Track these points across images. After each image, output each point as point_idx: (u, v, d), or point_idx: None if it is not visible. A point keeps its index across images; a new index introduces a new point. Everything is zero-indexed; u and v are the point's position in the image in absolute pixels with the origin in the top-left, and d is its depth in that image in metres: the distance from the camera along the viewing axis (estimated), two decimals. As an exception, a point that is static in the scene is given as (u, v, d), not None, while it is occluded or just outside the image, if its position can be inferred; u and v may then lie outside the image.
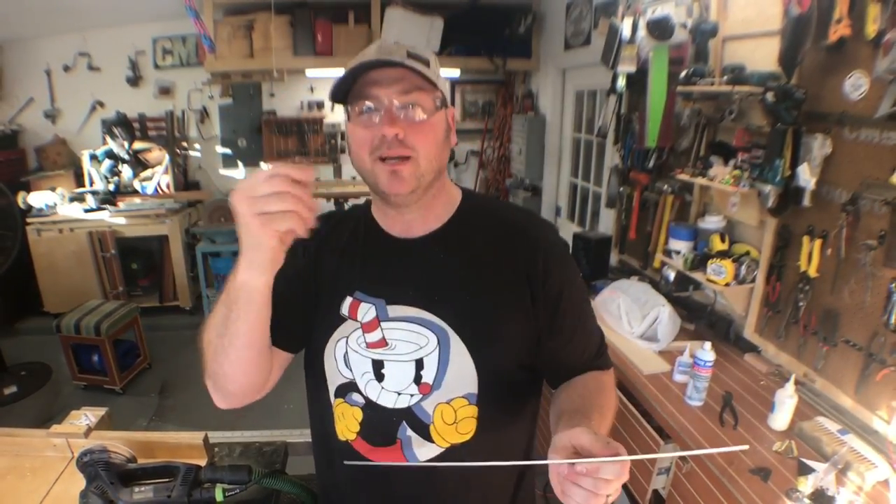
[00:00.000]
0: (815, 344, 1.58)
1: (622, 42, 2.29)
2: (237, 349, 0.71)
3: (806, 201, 1.56)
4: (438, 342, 0.78)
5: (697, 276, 1.92)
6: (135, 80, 4.26)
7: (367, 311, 0.80)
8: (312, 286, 0.85)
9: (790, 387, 1.44)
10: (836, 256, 1.50)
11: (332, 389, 0.85)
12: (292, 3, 3.74)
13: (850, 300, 1.47)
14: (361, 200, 0.89)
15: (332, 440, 0.86)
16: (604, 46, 2.51)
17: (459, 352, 0.78)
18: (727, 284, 1.82)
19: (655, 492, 1.61)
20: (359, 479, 0.86)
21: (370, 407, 0.81)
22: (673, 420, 1.53)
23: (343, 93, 0.76)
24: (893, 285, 1.33)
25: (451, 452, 0.79)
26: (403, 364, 0.79)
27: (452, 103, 4.58)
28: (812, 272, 1.57)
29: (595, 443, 0.56)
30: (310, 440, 0.96)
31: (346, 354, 0.82)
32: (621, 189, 2.71)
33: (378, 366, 0.80)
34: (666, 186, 2.31)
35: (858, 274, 1.43)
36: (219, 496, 0.95)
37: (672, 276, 2.06)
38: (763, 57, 1.74)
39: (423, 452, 0.80)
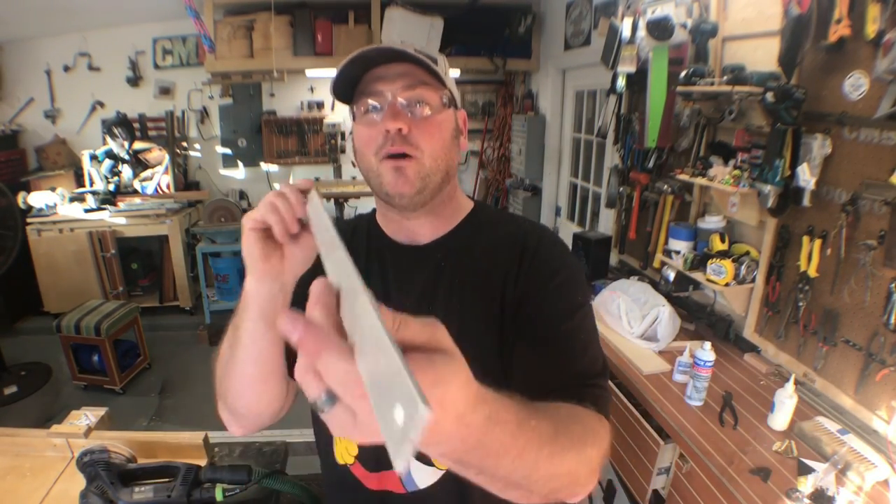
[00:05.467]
0: (815, 344, 1.58)
1: (622, 42, 2.29)
2: (243, 362, 0.66)
3: (806, 201, 1.56)
4: None
5: (697, 276, 1.92)
6: (135, 81, 4.26)
7: None
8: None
9: (790, 387, 1.44)
10: (835, 256, 1.50)
11: None
12: (292, 3, 3.74)
13: (850, 300, 1.47)
14: (361, 200, 0.86)
15: (331, 465, 0.82)
16: (604, 47, 2.51)
17: None
18: (727, 284, 1.82)
19: (655, 492, 1.61)
20: None
21: None
22: (673, 420, 1.53)
23: (346, 90, 0.73)
24: (893, 285, 1.33)
25: (452, 475, 0.72)
26: None
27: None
28: (812, 272, 1.57)
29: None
30: (309, 441, 0.96)
31: None
32: (621, 189, 2.71)
33: None
34: (666, 186, 2.31)
35: (858, 274, 1.43)
36: (219, 496, 0.96)
37: (672, 276, 2.06)
38: (763, 57, 1.74)
39: (423, 478, 0.76)
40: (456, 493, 0.75)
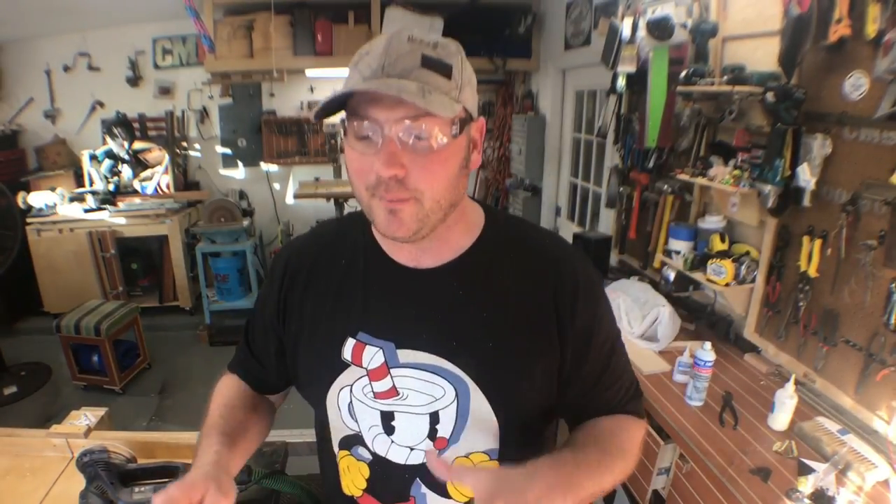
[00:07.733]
0: (815, 344, 1.58)
1: (622, 42, 2.29)
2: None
3: (806, 201, 1.56)
4: (457, 394, 0.68)
5: (697, 276, 1.92)
6: (135, 80, 4.26)
7: (373, 357, 0.69)
8: (299, 328, 0.75)
9: (790, 387, 1.44)
10: (836, 256, 1.50)
11: (336, 440, 0.77)
12: (292, 3, 3.74)
13: (850, 300, 1.46)
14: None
15: (337, 494, 0.79)
16: (604, 46, 2.51)
17: (480, 405, 0.68)
18: (727, 284, 1.82)
19: (655, 492, 1.61)
20: None
21: (378, 463, 0.73)
22: (673, 420, 1.53)
23: (337, 104, 0.61)
24: (893, 285, 1.33)
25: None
26: (417, 417, 0.70)
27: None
28: (812, 272, 1.57)
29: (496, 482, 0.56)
30: (309, 441, 0.95)
31: (351, 405, 0.72)
32: (621, 189, 2.71)
33: (388, 418, 0.71)
34: (666, 186, 2.31)
35: (858, 274, 1.43)
36: (218, 496, 0.95)
37: (672, 276, 2.05)
38: (763, 57, 1.74)
39: None
40: None
